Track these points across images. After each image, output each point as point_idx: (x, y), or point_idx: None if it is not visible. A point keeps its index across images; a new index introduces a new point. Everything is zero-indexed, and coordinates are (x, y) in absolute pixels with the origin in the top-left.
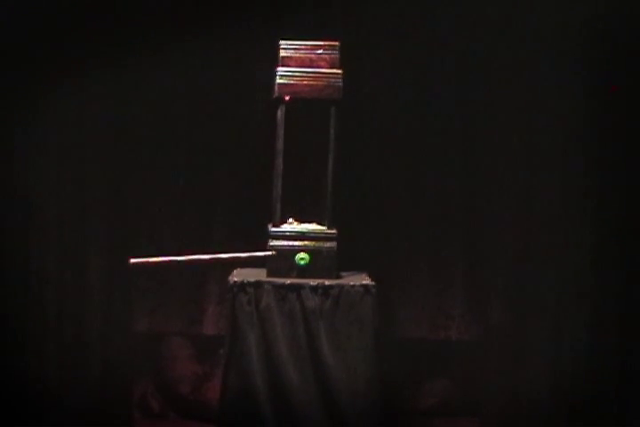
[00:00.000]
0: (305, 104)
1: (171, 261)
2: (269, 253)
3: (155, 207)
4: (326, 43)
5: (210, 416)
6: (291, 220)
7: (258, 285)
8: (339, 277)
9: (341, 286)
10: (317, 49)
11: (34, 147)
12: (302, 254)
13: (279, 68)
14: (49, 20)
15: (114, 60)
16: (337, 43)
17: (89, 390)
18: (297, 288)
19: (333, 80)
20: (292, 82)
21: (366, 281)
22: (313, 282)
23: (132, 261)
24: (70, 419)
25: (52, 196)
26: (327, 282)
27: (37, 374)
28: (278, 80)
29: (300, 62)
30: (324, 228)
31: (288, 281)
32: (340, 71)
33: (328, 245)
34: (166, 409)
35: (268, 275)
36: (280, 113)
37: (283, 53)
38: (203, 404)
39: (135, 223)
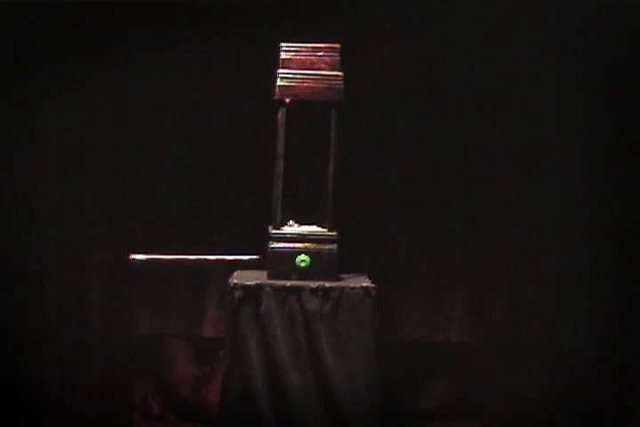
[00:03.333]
0: (306, 106)
1: (177, 259)
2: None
3: (155, 209)
4: (327, 45)
5: (210, 418)
6: (291, 222)
7: (258, 287)
8: (339, 279)
9: (342, 288)
10: (318, 51)
11: (34, 147)
12: (303, 256)
13: (280, 71)
14: (49, 20)
15: (114, 62)
16: (338, 45)
17: (89, 392)
18: (297, 290)
19: (334, 82)
20: (292, 84)
21: (366, 283)
22: (313, 284)
23: (133, 257)
24: (71, 421)
25: (52, 196)
26: (327, 284)
27: (38, 376)
28: (279, 82)
29: (300, 64)
30: (324, 230)
31: (288, 283)
32: (340, 73)
33: (328, 247)
34: (166, 411)
35: (269, 277)
36: (281, 115)
37: (283, 55)
38: (203, 406)
39: (136, 225)
